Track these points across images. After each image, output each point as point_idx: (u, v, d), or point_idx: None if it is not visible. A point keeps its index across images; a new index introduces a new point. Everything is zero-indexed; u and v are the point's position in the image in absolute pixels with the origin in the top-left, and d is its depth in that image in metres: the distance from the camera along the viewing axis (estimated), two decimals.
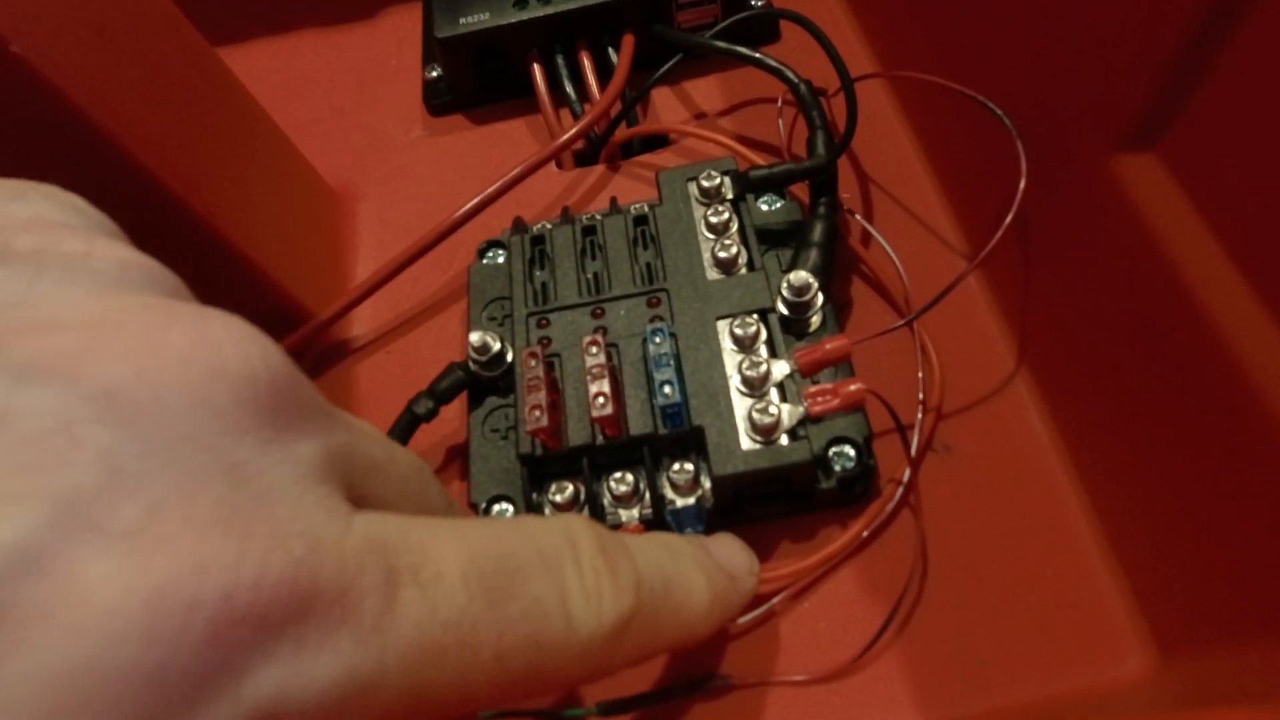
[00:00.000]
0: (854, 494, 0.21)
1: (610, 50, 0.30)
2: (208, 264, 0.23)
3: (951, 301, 0.24)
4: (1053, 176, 0.20)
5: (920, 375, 0.23)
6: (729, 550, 0.18)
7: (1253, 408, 0.15)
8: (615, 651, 0.13)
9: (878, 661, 0.20)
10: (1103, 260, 0.19)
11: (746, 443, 0.20)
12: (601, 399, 0.19)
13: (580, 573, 0.12)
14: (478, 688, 0.11)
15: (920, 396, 0.22)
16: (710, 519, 0.20)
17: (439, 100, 0.32)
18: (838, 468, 0.21)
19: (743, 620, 0.20)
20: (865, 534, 0.21)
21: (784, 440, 0.19)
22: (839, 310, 0.25)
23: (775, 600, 0.20)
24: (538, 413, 0.20)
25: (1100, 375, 0.20)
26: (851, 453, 0.21)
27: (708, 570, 0.15)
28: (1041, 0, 0.18)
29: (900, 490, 0.21)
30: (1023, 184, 0.20)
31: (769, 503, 0.21)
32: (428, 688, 0.10)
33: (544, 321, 0.22)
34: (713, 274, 0.22)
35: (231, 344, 0.10)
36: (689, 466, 0.20)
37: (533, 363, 0.20)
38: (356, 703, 0.09)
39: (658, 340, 0.20)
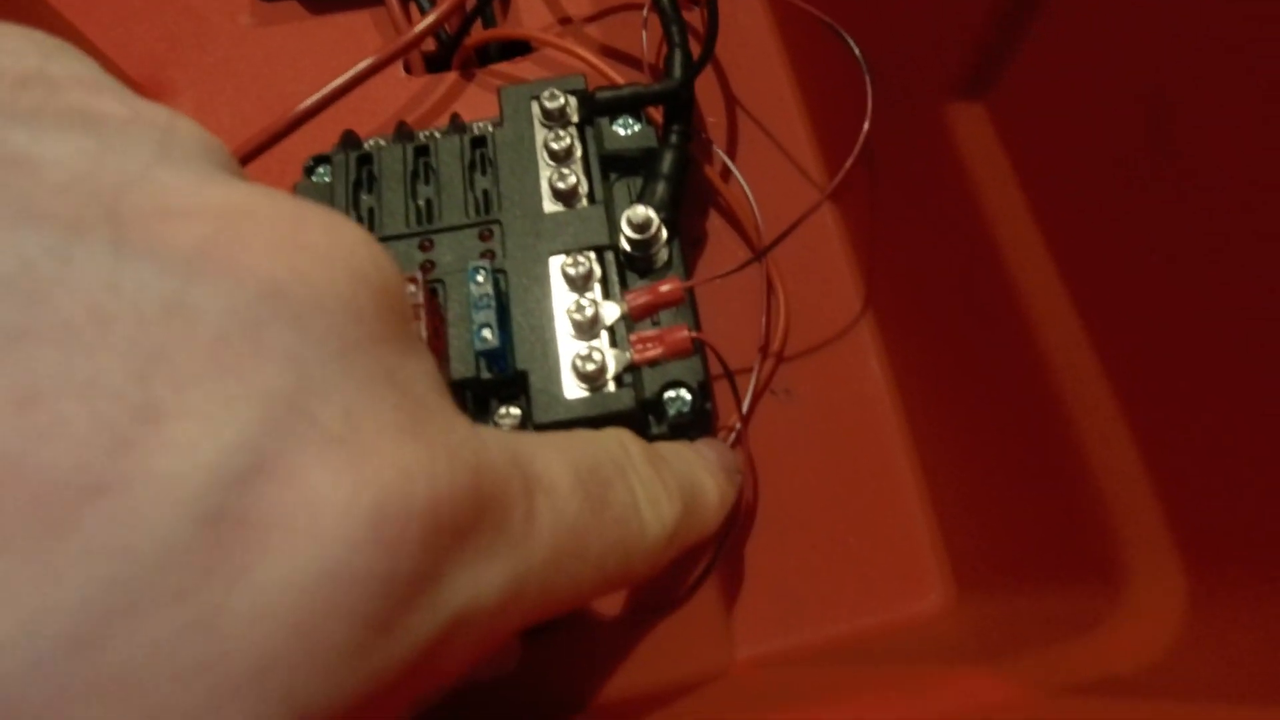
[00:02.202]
0: (689, 438, 0.21)
1: None
2: None
3: (806, 240, 0.23)
4: (897, 116, 0.19)
5: (764, 318, 0.22)
6: (719, 452, 0.18)
7: (1044, 376, 0.15)
8: (667, 552, 0.14)
9: (701, 599, 0.20)
10: (935, 209, 0.18)
11: (572, 389, 0.19)
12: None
13: (641, 481, 0.13)
14: (582, 589, 0.11)
15: (761, 340, 0.22)
16: None
17: None
18: (672, 412, 0.20)
19: None
20: None
21: (611, 387, 0.19)
22: (695, 244, 0.24)
23: None
24: None
25: (929, 324, 0.20)
26: (686, 396, 0.20)
27: (712, 472, 0.17)
28: None
29: (733, 436, 0.21)
30: (867, 124, 0.19)
31: None
32: (551, 591, 0.11)
33: None
34: (551, 205, 0.21)
35: (363, 248, 0.09)
36: (515, 411, 0.19)
37: None
38: (512, 607, 0.10)
39: (479, 279, 0.19)
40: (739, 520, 0.21)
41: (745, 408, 0.21)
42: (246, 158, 0.23)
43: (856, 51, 0.19)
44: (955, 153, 0.16)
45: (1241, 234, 0.11)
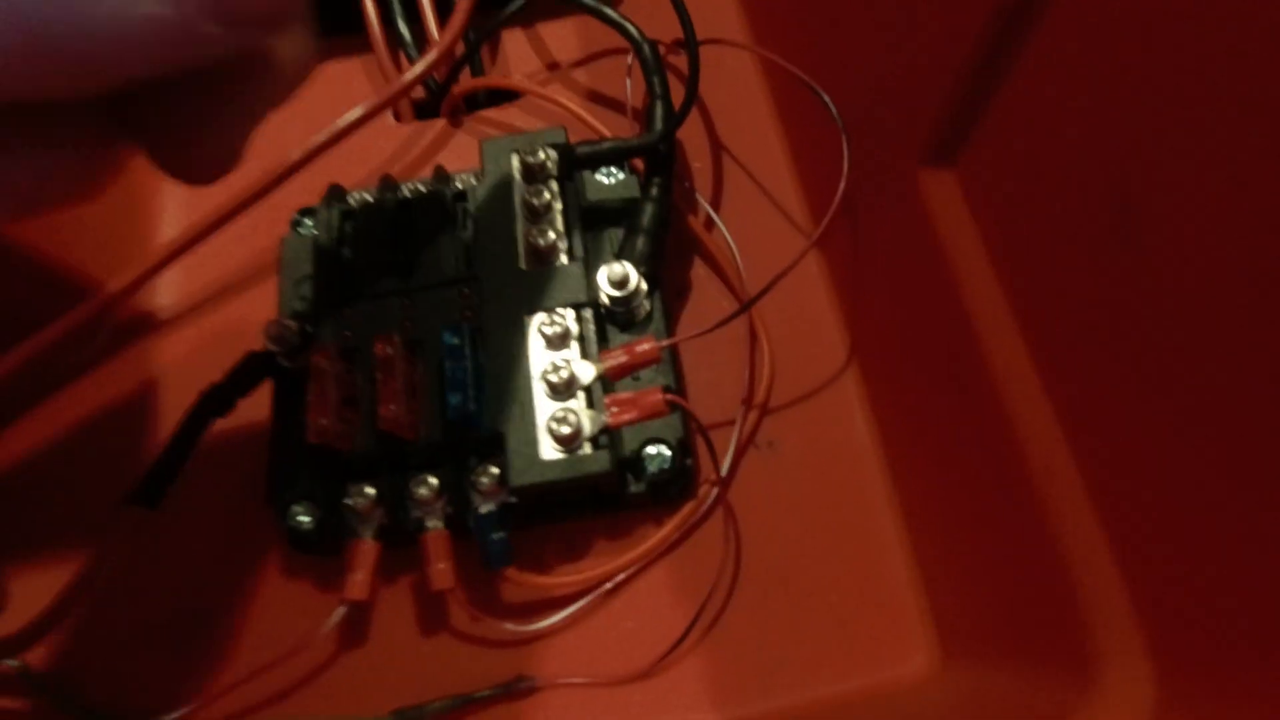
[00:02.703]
0: (667, 495, 0.21)
1: None
2: None
3: (791, 289, 0.23)
4: (874, 175, 0.19)
5: (747, 371, 0.22)
6: None
7: (1013, 447, 0.15)
8: None
9: (680, 662, 0.20)
10: (911, 269, 0.18)
11: (547, 451, 0.19)
12: (391, 405, 0.18)
13: None
14: None
15: (745, 393, 0.22)
16: (518, 521, 0.20)
17: None
18: (651, 469, 0.20)
19: (551, 621, 0.20)
20: (678, 535, 0.21)
21: (587, 448, 0.19)
22: (679, 295, 0.24)
23: (584, 601, 0.20)
24: (323, 420, 0.18)
25: (912, 380, 0.20)
26: (666, 453, 0.20)
27: None
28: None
29: (715, 491, 0.21)
30: (843, 183, 0.19)
31: (578, 506, 0.20)
32: None
33: (347, 311, 0.21)
34: (528, 263, 0.21)
35: None
36: (494, 470, 0.19)
37: (323, 363, 0.19)
38: None
39: (454, 340, 0.19)
40: (720, 577, 0.20)
41: (729, 461, 0.21)
42: (235, 210, 0.24)
43: (834, 110, 0.19)
44: (927, 217, 0.16)
45: (1206, 322, 0.11)
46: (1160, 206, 0.11)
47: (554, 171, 0.22)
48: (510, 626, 0.20)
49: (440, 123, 0.27)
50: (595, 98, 0.27)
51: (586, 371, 0.19)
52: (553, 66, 0.28)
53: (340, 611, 0.19)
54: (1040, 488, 0.14)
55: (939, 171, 0.16)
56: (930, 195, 0.16)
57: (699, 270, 0.24)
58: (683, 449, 0.20)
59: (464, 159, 0.26)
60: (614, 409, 0.18)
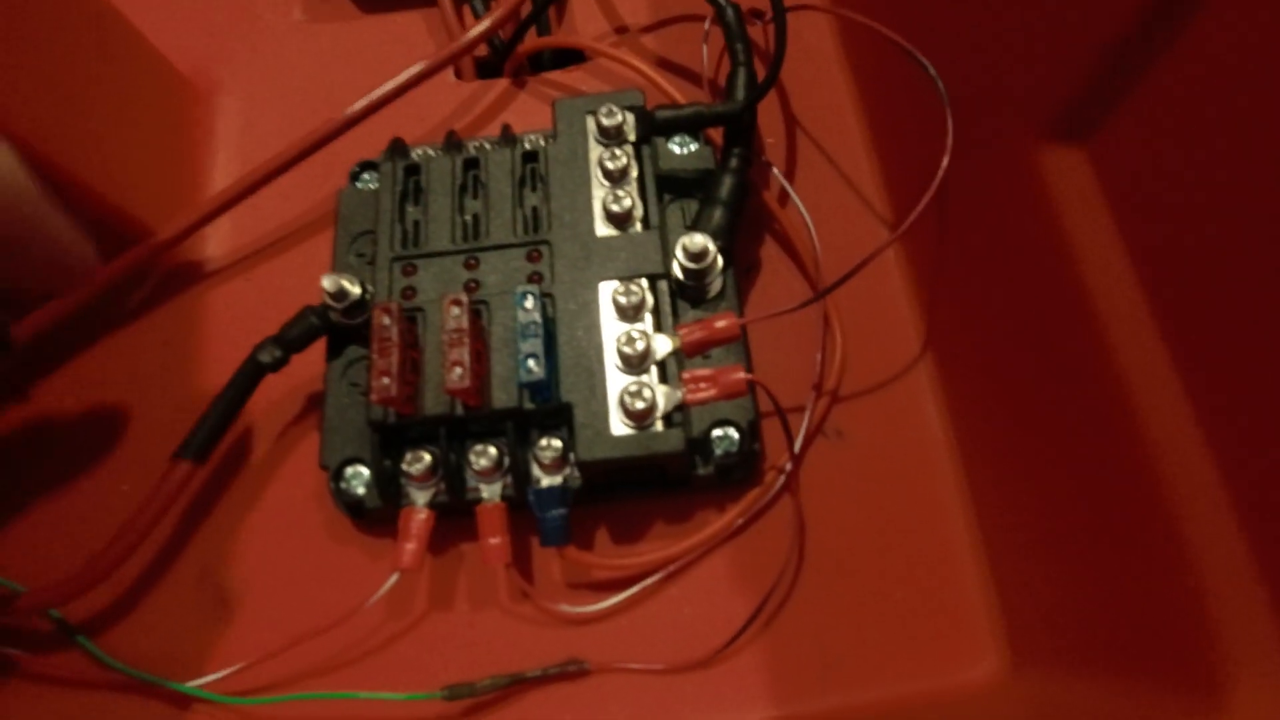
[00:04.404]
0: (731, 480, 0.20)
1: None
2: None
3: (866, 275, 0.22)
4: (975, 153, 0.18)
5: (819, 356, 0.21)
6: None
7: (1137, 449, 0.14)
8: None
9: (739, 653, 0.19)
10: (1013, 257, 0.17)
11: (618, 426, 0.18)
12: (459, 370, 0.17)
13: None
14: None
15: (815, 379, 0.21)
16: (579, 497, 0.19)
17: None
18: (719, 451, 0.19)
19: (608, 603, 0.19)
20: (741, 521, 0.20)
21: (659, 425, 0.18)
22: (748, 272, 0.23)
23: (643, 585, 0.19)
24: (386, 380, 0.17)
25: (994, 374, 0.19)
26: (734, 436, 0.19)
27: None
28: None
29: (781, 479, 0.20)
30: (946, 160, 0.17)
31: (642, 485, 0.20)
32: None
33: (410, 268, 0.20)
34: (603, 228, 0.20)
35: None
36: (557, 443, 0.18)
37: (386, 320, 0.18)
38: None
39: (527, 305, 0.18)
40: (784, 568, 0.20)
41: (796, 448, 0.20)
42: (293, 161, 0.23)
43: (939, 84, 0.18)
44: (1045, 200, 0.15)
45: None
46: None
47: (631, 135, 0.21)
48: (565, 607, 0.19)
49: (503, 83, 0.26)
50: (666, 65, 0.26)
51: (663, 344, 0.18)
52: (621, 30, 0.27)
53: (390, 581, 0.18)
54: (1171, 489, 0.13)
55: (1065, 148, 0.15)
56: (1050, 173, 0.15)
57: (769, 249, 0.23)
58: (752, 432, 0.19)
59: (526, 120, 0.25)
60: (692, 386, 0.17)
